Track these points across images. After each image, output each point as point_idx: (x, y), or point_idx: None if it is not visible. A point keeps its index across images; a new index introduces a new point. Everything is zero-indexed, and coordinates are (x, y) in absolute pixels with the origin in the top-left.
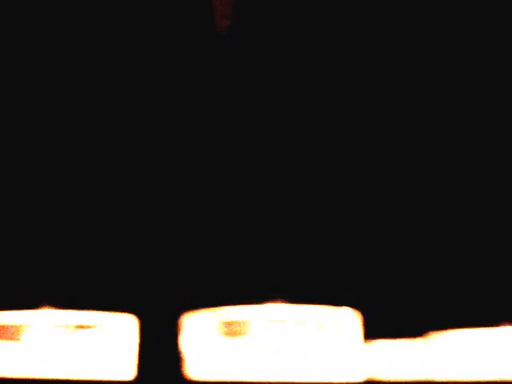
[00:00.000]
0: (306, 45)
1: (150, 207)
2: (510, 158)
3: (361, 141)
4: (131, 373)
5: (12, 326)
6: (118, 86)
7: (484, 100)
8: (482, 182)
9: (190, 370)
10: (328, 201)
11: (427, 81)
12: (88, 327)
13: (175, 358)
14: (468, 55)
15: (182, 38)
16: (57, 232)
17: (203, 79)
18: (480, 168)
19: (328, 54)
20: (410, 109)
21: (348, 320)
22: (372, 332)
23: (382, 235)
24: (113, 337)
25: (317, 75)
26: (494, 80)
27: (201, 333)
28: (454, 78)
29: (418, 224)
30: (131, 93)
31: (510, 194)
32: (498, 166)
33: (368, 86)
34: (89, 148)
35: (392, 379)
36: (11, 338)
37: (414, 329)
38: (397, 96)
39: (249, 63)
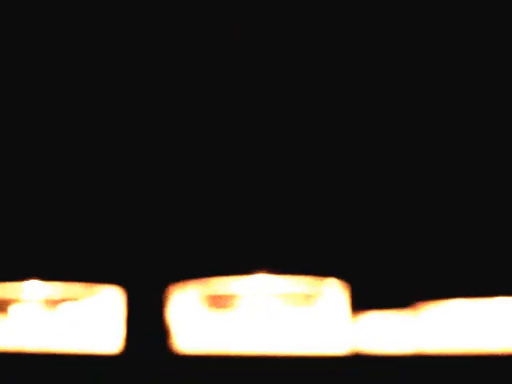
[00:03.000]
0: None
1: (134, 180)
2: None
3: (336, 124)
4: (117, 345)
5: None
6: (116, 86)
7: (484, 100)
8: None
9: (177, 342)
10: (313, 173)
11: (427, 81)
12: (74, 299)
13: (162, 331)
14: (468, 55)
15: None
16: (40, 205)
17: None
18: (458, 155)
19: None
20: (410, 109)
21: (335, 291)
22: (360, 303)
23: (368, 205)
24: (99, 309)
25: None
26: (494, 80)
27: (187, 305)
28: (453, 78)
29: (405, 195)
30: (130, 92)
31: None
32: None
33: (367, 85)
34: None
35: (380, 352)
36: None
37: (403, 300)
38: (396, 96)
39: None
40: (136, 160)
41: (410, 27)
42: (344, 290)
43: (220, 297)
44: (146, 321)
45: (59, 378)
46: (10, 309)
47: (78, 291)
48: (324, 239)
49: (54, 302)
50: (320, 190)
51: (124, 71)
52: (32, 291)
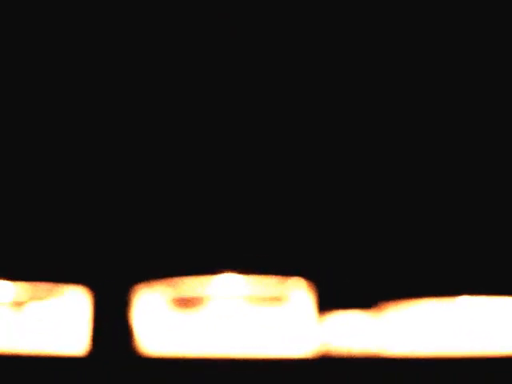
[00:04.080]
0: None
1: (103, 179)
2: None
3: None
4: (83, 347)
5: None
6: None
7: (484, 100)
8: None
9: (143, 344)
10: (282, 173)
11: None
12: (39, 299)
13: (128, 332)
14: (468, 55)
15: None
16: (5, 205)
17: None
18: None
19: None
20: (410, 109)
21: (301, 291)
22: (326, 303)
23: (334, 205)
24: (64, 310)
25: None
26: (493, 80)
27: (153, 305)
28: (453, 78)
29: (370, 195)
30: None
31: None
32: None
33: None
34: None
35: (346, 353)
36: None
37: (369, 300)
38: (396, 96)
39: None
40: (106, 161)
41: (410, 27)
42: (310, 289)
43: (186, 297)
44: (111, 322)
45: (24, 380)
46: None
47: (43, 291)
48: (290, 239)
49: (18, 303)
50: (285, 190)
51: (124, 71)
52: None
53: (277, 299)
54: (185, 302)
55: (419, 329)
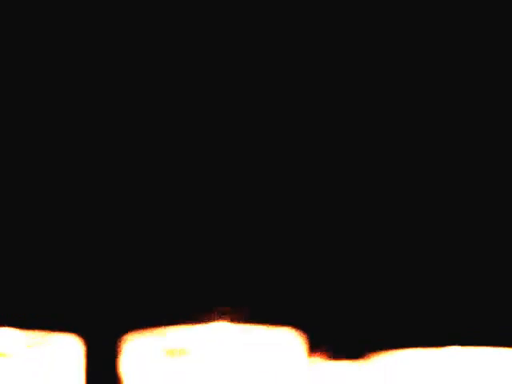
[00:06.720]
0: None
1: (96, 224)
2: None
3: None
4: None
5: None
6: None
7: (484, 100)
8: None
9: None
10: (271, 220)
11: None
12: (31, 347)
13: (118, 380)
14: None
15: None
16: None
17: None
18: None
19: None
20: (410, 109)
21: (291, 340)
22: (315, 353)
23: (323, 255)
24: (56, 357)
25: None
26: (493, 80)
27: (143, 354)
28: (453, 79)
29: (358, 245)
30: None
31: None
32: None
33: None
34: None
35: None
36: None
37: (357, 349)
38: (396, 96)
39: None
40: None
41: (410, 27)
42: (301, 339)
43: (176, 346)
44: (102, 369)
45: None
46: None
47: (34, 339)
48: (281, 289)
49: (10, 350)
50: (278, 240)
51: (124, 71)
52: None
53: (267, 348)
54: (175, 350)
55: (408, 378)
